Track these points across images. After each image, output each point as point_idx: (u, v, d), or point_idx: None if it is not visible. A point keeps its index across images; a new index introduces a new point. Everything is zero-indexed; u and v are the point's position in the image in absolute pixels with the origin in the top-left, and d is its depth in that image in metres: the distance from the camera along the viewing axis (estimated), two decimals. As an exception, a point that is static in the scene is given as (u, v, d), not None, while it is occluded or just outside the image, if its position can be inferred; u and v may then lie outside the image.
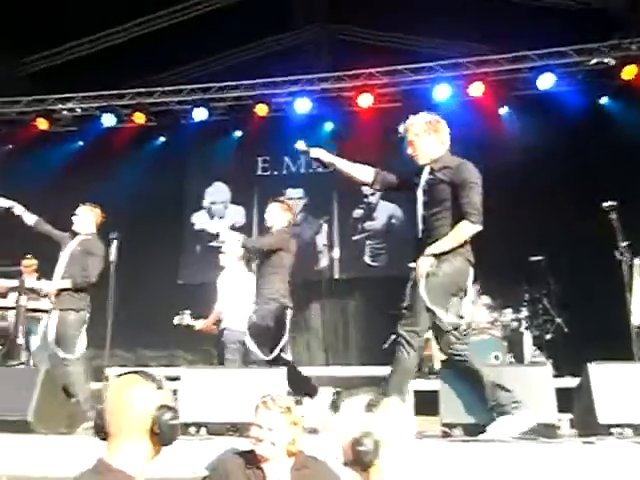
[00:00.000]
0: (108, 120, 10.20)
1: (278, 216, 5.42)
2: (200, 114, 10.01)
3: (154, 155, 10.50)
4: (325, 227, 9.97)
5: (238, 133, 10.53)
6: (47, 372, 4.12)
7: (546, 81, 8.98)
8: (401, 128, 3.93)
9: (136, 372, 2.03)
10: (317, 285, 9.51)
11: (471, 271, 3.66)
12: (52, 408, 4.04)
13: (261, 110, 9.86)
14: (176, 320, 6.84)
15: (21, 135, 10.64)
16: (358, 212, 10.01)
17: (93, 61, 10.30)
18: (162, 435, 1.92)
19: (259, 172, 10.57)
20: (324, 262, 9.85)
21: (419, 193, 3.78)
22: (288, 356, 5.20)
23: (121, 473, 1.88)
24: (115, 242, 5.54)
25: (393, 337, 7.56)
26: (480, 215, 3.59)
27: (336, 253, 9.79)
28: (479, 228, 3.60)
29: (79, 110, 10.55)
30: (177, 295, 8.89)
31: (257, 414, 2.87)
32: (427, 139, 3.80)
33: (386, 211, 9.92)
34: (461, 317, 3.66)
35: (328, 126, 10.27)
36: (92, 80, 10.03)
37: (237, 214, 10.54)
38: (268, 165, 10.57)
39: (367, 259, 9.86)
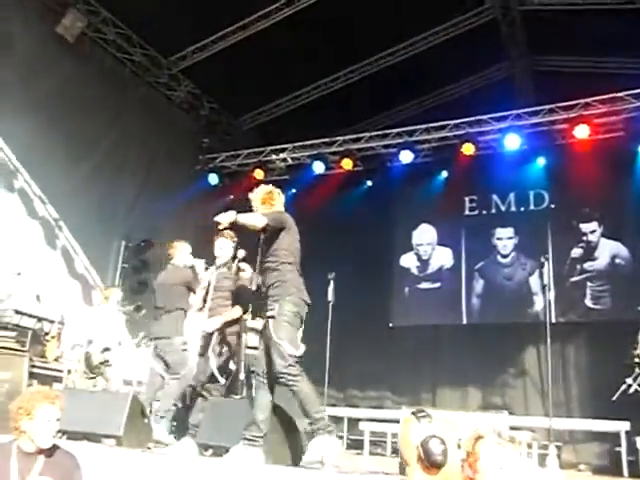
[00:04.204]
0: (318, 167, 10.60)
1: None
2: (406, 156, 10.07)
3: (361, 199, 10.71)
4: (539, 268, 9.34)
5: (444, 174, 10.40)
6: (277, 407, 4.21)
7: None
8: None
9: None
10: (532, 329, 8.92)
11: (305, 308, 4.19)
12: (278, 440, 4.13)
13: (467, 149, 9.64)
14: None
15: (240, 186, 11.45)
16: (577, 251, 9.30)
17: (303, 112, 10.95)
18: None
19: (466, 212, 10.31)
20: (539, 305, 9.23)
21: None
22: None
23: None
24: (332, 282, 5.67)
25: (624, 387, 6.85)
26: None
27: (552, 295, 9.11)
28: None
29: (290, 160, 11.18)
30: (388, 337, 8.88)
31: None
32: (263, 208, 4.43)
33: (609, 250, 9.11)
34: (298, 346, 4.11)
35: (540, 161, 9.77)
36: (303, 130, 10.61)
37: (444, 256, 10.34)
38: (476, 205, 10.27)
39: (588, 302, 9.09)
